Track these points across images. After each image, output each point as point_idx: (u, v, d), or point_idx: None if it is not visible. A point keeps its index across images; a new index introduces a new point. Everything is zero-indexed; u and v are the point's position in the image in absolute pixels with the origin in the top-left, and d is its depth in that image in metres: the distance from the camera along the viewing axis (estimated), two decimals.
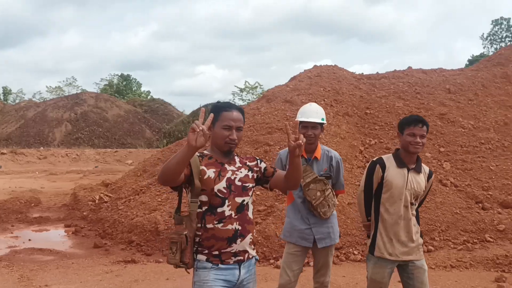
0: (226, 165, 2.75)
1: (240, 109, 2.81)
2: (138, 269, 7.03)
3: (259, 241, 7.81)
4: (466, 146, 10.46)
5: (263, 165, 2.90)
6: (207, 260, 2.67)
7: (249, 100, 41.15)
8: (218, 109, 2.75)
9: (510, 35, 50.32)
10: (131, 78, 66.19)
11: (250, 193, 2.78)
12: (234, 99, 41.80)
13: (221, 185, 2.66)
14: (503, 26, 50.64)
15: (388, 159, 3.69)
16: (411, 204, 3.55)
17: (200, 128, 2.31)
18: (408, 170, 3.57)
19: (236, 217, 2.68)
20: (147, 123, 47.67)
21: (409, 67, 14.29)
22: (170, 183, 2.57)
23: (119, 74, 64.70)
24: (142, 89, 68.16)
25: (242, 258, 2.72)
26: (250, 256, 2.79)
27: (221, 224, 2.64)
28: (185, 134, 33.63)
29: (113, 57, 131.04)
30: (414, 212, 3.61)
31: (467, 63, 45.23)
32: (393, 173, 3.59)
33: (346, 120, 11.42)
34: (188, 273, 2.82)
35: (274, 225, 8.06)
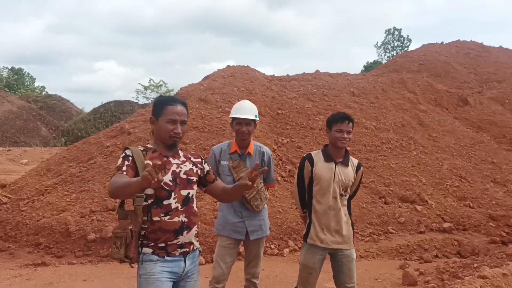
0: (171, 159, 2.77)
1: (184, 103, 2.84)
2: (50, 272, 6.64)
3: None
4: (369, 146, 11.23)
5: (206, 167, 2.97)
6: (153, 253, 2.66)
7: (153, 98, 40.24)
8: (162, 103, 2.78)
9: (401, 44, 54.39)
10: (23, 72, 61.53)
11: (194, 186, 2.83)
12: (137, 97, 40.52)
13: (167, 178, 2.66)
14: (395, 35, 54.65)
15: (317, 154, 3.93)
16: (341, 195, 3.80)
17: (155, 180, 2.24)
18: (336, 163, 3.82)
19: (182, 209, 2.69)
20: (43, 121, 44.59)
21: (317, 71, 15.00)
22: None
23: (9, 67, 59.85)
24: (36, 84, 63.60)
25: (187, 250, 2.75)
26: (195, 248, 2.83)
27: (168, 217, 2.64)
28: (85, 133, 32.06)
29: (2, 49, 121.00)
30: (345, 203, 3.86)
31: (363, 69, 48.27)
32: (321, 167, 3.83)
33: (260, 120, 11.70)
34: (132, 267, 2.78)
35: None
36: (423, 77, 15.57)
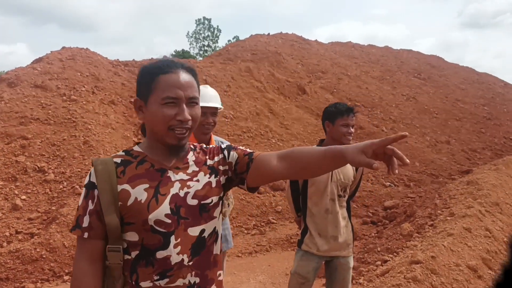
0: (171, 173, 1.62)
1: (190, 69, 1.64)
2: None
3: (43, 256, 6.41)
4: (232, 135, 11.02)
5: (233, 155, 1.72)
6: None
7: None
8: (151, 72, 1.59)
9: (211, 34, 55.67)
10: None
11: (215, 214, 1.67)
12: None
13: (162, 211, 1.55)
14: (205, 25, 55.62)
15: None
16: (339, 196, 3.40)
17: None
18: None
19: (191, 263, 1.60)
20: None
21: (164, 56, 14.10)
22: None
23: None
24: None
25: None
26: None
27: (166, 280, 1.56)
28: None
29: None
30: (344, 204, 3.46)
31: (170, 57, 48.03)
32: None
33: (113, 109, 10.45)
34: None
35: (60, 234, 6.73)
36: (265, 66, 15.99)
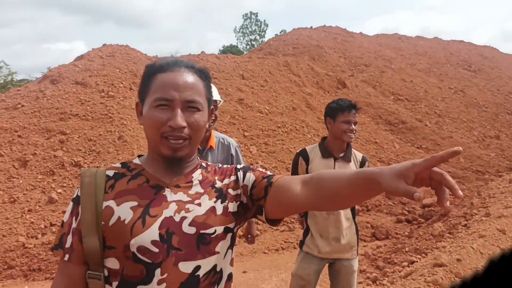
0: (168, 191, 1.33)
1: (193, 67, 1.37)
2: None
3: None
4: (266, 130, 10.96)
5: (250, 177, 1.39)
6: None
7: None
8: (150, 72, 1.36)
9: (258, 28, 55.67)
10: None
11: (218, 249, 1.33)
12: None
13: (148, 236, 1.26)
14: (252, 20, 55.67)
15: (313, 149, 3.34)
16: None
17: None
18: (335, 159, 3.28)
19: None
20: None
21: (202, 52, 14.26)
22: None
23: None
24: None
25: None
26: None
27: None
28: None
29: None
30: None
31: (219, 52, 48.77)
32: (318, 164, 3.26)
33: None
34: None
35: None
36: (305, 60, 15.81)
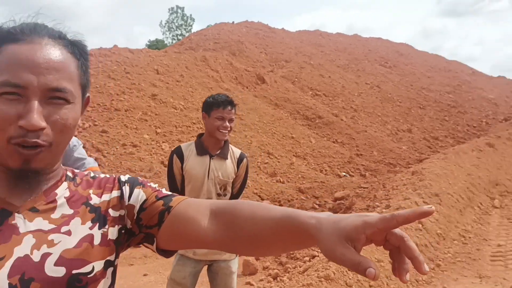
0: (19, 218, 0.87)
1: (64, 39, 0.91)
2: None
3: None
4: (180, 126, 10.68)
5: (138, 194, 1.00)
6: None
7: None
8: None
9: (184, 23, 54.96)
10: None
11: None
12: None
13: None
14: (178, 14, 54.84)
15: (188, 147, 3.15)
16: (218, 195, 3.11)
17: None
18: (211, 157, 3.10)
19: None
20: None
21: (115, 46, 13.66)
22: None
23: None
24: None
25: None
26: None
27: None
28: None
29: None
30: None
31: (146, 47, 47.79)
32: (193, 162, 3.07)
33: None
34: None
35: None
36: (223, 55, 15.64)
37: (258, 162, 10.57)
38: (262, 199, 9.07)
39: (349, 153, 12.58)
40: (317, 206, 9.01)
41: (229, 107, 3.03)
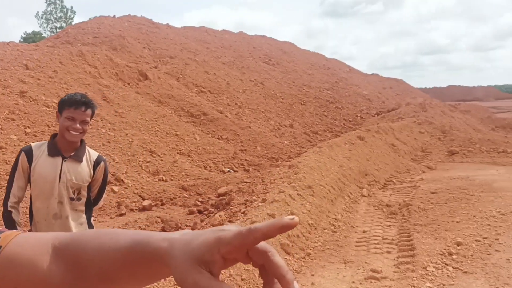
0: None
1: None
2: None
3: None
4: (54, 126, 10.01)
5: None
6: None
7: None
8: None
9: (64, 15, 51.87)
10: None
11: None
12: None
13: None
14: (57, 5, 51.54)
15: (40, 147, 2.94)
16: (71, 199, 2.94)
17: None
18: (64, 158, 2.92)
19: None
20: None
21: None
22: None
23: None
24: None
25: None
26: None
27: None
28: None
29: None
30: (82, 208, 3.01)
31: (21, 40, 44.59)
32: (43, 163, 2.88)
33: None
34: None
35: None
36: (102, 50, 14.95)
37: (139, 161, 10.28)
38: (144, 199, 8.84)
39: (233, 149, 12.75)
40: (199, 203, 9.01)
41: (83, 108, 2.88)
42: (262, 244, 0.58)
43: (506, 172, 10.25)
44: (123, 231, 0.73)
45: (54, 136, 3.04)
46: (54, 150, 2.93)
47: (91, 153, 3.09)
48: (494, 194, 8.05)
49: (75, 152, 2.98)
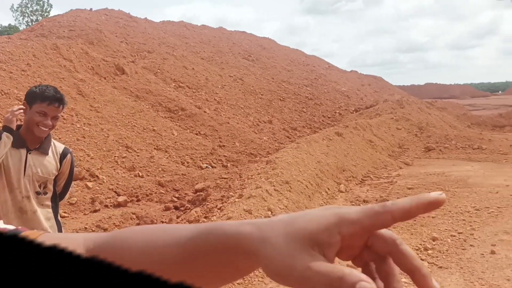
0: None
1: None
2: None
3: None
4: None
5: None
6: None
7: None
8: None
9: (40, 8, 50.97)
10: None
11: None
12: None
13: None
14: None
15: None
16: (37, 193, 2.84)
17: None
18: (29, 151, 2.81)
19: None
20: None
21: None
22: None
23: None
24: None
25: None
26: None
27: None
28: None
29: None
30: (48, 203, 2.90)
31: None
32: (7, 155, 2.77)
33: None
34: None
35: None
36: (78, 44, 14.66)
37: (115, 156, 10.11)
38: (119, 195, 8.69)
39: (211, 145, 12.65)
40: (175, 199, 8.90)
41: (56, 104, 2.77)
42: (388, 231, 0.47)
43: (481, 168, 10.39)
44: (183, 225, 0.58)
45: (19, 127, 2.92)
46: (19, 141, 2.81)
47: (57, 146, 2.98)
48: (469, 189, 8.15)
49: (40, 145, 2.87)
